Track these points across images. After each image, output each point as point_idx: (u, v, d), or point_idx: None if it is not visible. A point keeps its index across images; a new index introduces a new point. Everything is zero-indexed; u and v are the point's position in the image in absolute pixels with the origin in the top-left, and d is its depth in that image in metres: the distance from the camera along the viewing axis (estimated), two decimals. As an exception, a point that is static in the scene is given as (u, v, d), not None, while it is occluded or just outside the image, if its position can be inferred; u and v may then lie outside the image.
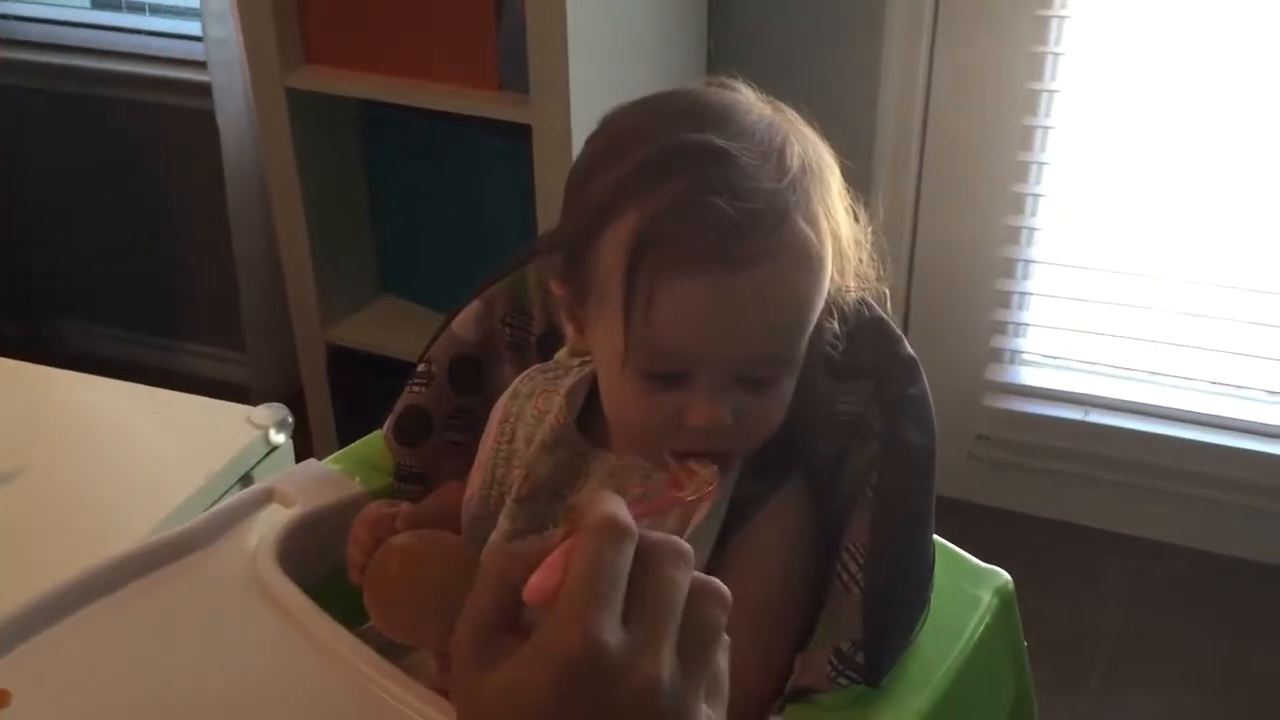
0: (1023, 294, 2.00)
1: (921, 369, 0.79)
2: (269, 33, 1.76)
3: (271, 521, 0.89)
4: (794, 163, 0.72)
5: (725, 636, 0.51)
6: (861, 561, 0.77)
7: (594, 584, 0.48)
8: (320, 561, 0.88)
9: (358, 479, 0.94)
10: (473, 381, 0.95)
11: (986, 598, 0.83)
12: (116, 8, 2.44)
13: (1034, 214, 1.94)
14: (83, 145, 2.49)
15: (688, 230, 0.69)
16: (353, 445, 0.98)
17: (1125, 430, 2.00)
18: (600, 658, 0.47)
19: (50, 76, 2.43)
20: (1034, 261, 1.98)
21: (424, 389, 0.95)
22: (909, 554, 0.77)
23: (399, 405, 0.96)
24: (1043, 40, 1.79)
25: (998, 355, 2.05)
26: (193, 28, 2.30)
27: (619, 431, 0.80)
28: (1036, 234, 1.96)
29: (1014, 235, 1.95)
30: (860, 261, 0.78)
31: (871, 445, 0.79)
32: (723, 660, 0.51)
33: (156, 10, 2.42)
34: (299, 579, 0.84)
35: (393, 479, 0.95)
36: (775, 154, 0.72)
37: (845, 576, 0.77)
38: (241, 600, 0.83)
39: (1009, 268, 1.98)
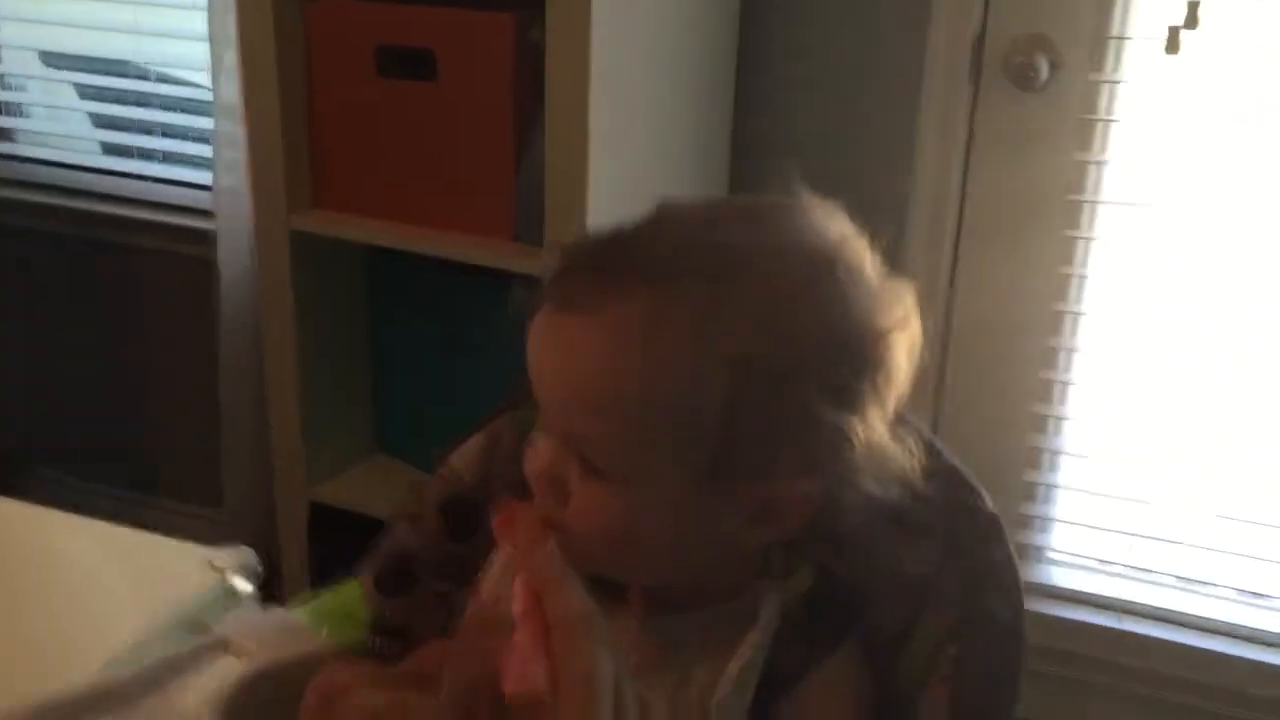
0: (1050, 486, 1.90)
1: (1005, 530, 0.68)
2: (277, 173, 1.71)
3: (222, 676, 0.76)
4: (728, 264, 0.62)
5: None
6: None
7: (593, 691, 0.47)
8: (274, 726, 0.75)
9: (325, 631, 0.81)
10: (468, 526, 0.83)
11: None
12: (128, 154, 2.41)
13: (1062, 402, 1.85)
14: (79, 289, 2.43)
15: (557, 269, 0.64)
16: (324, 594, 0.86)
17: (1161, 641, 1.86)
18: None
19: (55, 219, 2.38)
20: (1062, 453, 1.88)
21: (412, 531, 0.83)
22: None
23: (382, 548, 0.84)
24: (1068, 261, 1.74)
25: (1023, 552, 1.92)
26: (204, 177, 2.26)
27: None
28: (1065, 423, 1.86)
29: (1041, 423, 1.86)
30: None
31: (947, 614, 0.67)
32: None
33: (170, 158, 2.38)
34: (247, 746, 0.71)
35: (369, 632, 0.82)
36: (705, 242, 0.63)
37: (922, 769, 0.64)
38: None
39: (1035, 458, 1.87)
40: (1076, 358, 1.82)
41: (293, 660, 0.78)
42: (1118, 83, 1.65)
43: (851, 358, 0.62)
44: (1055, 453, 1.88)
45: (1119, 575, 1.90)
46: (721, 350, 0.60)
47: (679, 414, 0.61)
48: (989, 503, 0.69)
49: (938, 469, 0.68)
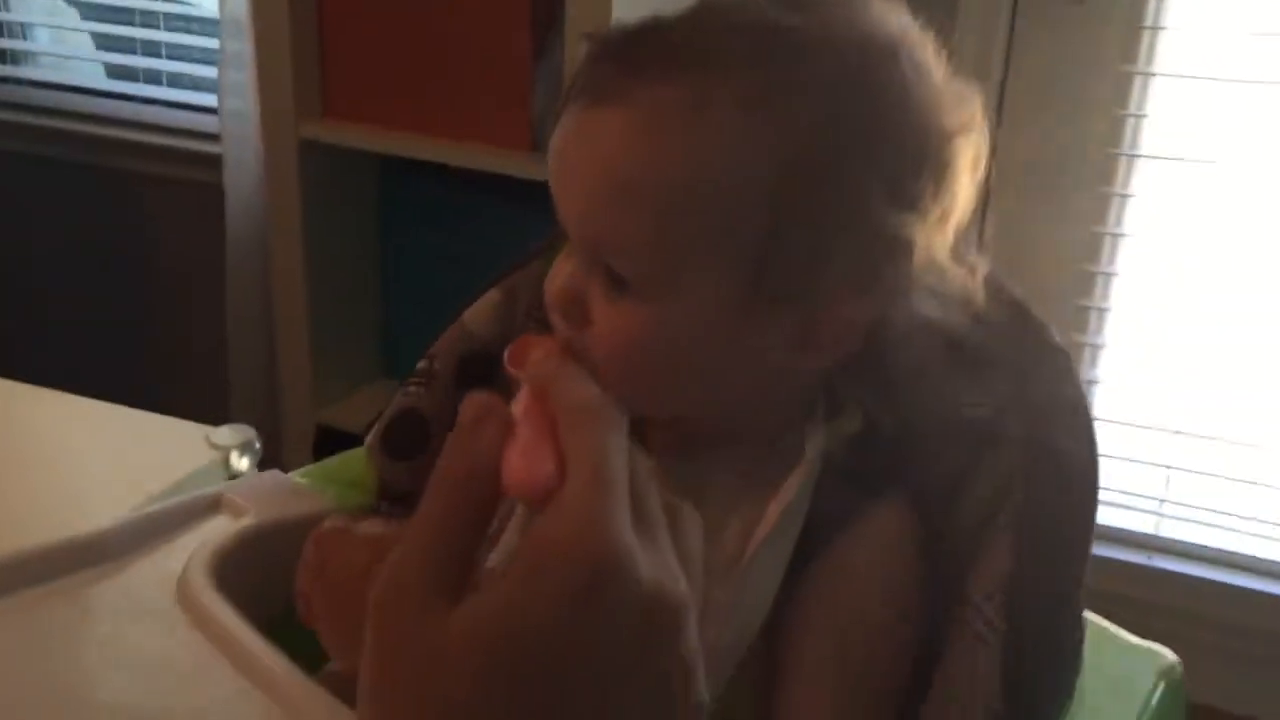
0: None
1: (1075, 365, 0.61)
2: (285, 79, 1.64)
3: (214, 533, 0.70)
4: (806, 43, 0.54)
5: None
6: (1001, 601, 0.57)
7: (607, 475, 0.39)
8: (271, 588, 0.68)
9: (328, 495, 0.75)
10: (483, 385, 0.76)
11: (1151, 682, 0.62)
12: (133, 78, 2.34)
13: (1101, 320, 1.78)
14: (83, 212, 2.37)
15: (584, 61, 0.57)
16: (328, 460, 0.80)
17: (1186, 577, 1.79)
18: (632, 570, 0.38)
19: (58, 143, 2.32)
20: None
21: (423, 390, 0.77)
22: (1065, 598, 0.57)
23: (390, 409, 0.77)
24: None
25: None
26: (209, 100, 2.19)
27: None
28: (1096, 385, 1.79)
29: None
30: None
31: (1010, 456, 0.60)
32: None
33: (175, 82, 2.31)
34: (243, 608, 0.65)
35: (375, 498, 0.76)
36: (756, 23, 0.55)
37: (979, 621, 0.57)
38: (163, 620, 0.63)
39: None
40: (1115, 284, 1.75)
41: (291, 519, 0.72)
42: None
43: (913, 155, 0.56)
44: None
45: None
46: (771, 138, 0.53)
47: (721, 210, 0.54)
48: (1056, 336, 0.62)
49: (1002, 300, 0.61)
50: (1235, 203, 1.62)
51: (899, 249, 0.55)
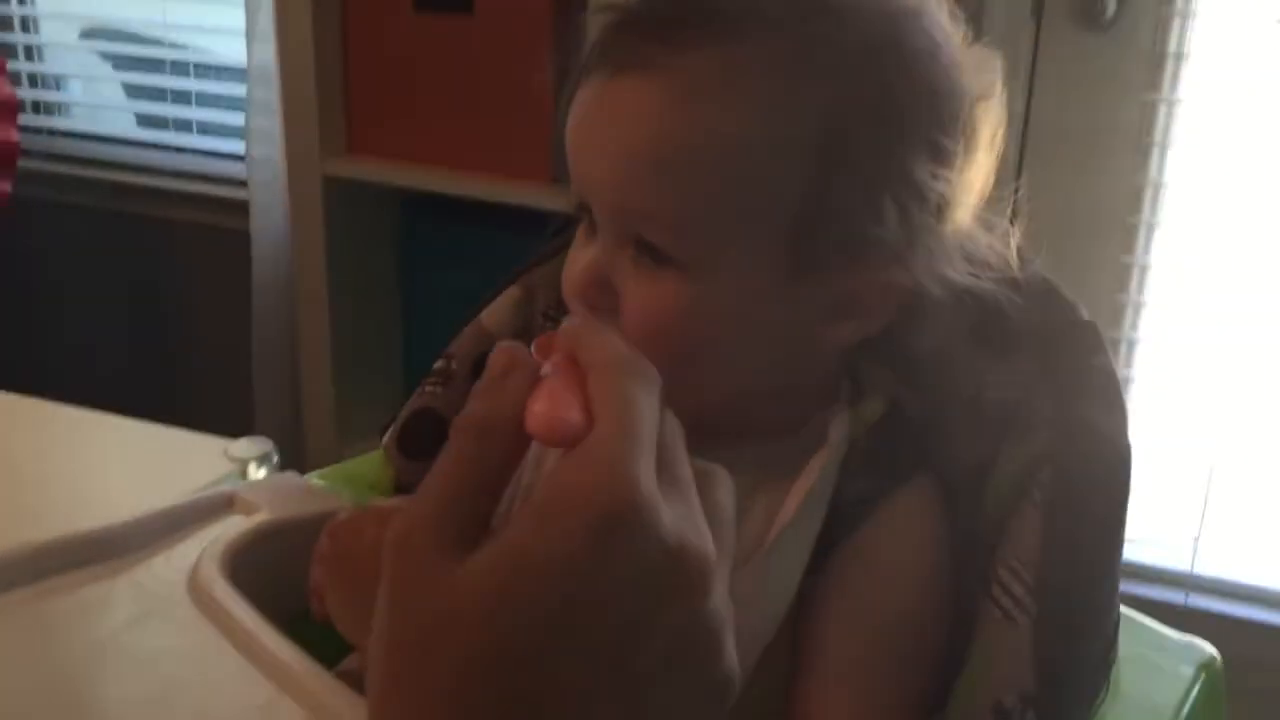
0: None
1: (1105, 340, 0.59)
2: (311, 117, 1.65)
3: (228, 530, 0.69)
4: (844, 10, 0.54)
5: None
6: (1031, 580, 0.55)
7: (635, 424, 0.37)
8: (285, 585, 0.67)
9: (343, 495, 0.74)
10: (502, 383, 0.76)
11: (1190, 673, 0.60)
12: (164, 126, 2.38)
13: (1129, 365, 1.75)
14: (115, 258, 2.40)
15: (601, 34, 0.56)
16: (345, 462, 0.79)
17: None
18: (653, 520, 0.36)
19: (91, 191, 2.35)
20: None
21: (441, 389, 0.76)
22: (1099, 578, 0.55)
23: (406, 408, 0.76)
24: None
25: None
26: (238, 147, 2.22)
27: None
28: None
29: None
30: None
31: (1039, 437, 0.58)
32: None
33: (205, 130, 2.34)
34: (256, 604, 0.63)
35: (391, 498, 0.74)
36: None
37: (1007, 601, 0.55)
38: (174, 613, 0.62)
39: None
40: (1141, 312, 1.73)
41: (306, 518, 0.70)
42: (1190, 16, 1.56)
43: (946, 112, 0.55)
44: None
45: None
46: (813, 98, 0.53)
47: (766, 175, 0.53)
48: (1085, 313, 0.60)
49: (1032, 279, 0.60)
50: (1267, 237, 1.60)
51: (937, 206, 0.55)
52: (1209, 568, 1.77)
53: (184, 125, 2.35)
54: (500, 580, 0.36)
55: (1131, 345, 1.72)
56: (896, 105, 0.54)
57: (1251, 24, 1.54)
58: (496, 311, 0.77)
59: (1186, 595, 1.79)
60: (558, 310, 0.76)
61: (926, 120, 0.55)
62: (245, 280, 2.10)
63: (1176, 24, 1.57)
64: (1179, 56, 1.58)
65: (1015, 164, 1.71)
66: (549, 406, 0.39)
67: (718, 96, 0.53)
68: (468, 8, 1.56)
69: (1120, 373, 1.69)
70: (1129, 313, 1.71)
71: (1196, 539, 1.78)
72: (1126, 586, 0.56)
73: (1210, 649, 0.64)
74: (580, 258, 0.58)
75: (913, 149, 0.54)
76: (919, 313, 0.57)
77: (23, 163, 2.25)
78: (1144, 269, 1.68)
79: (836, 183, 0.53)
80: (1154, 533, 1.78)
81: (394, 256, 1.83)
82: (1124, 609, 0.60)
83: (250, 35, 1.98)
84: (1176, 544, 1.78)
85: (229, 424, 2.25)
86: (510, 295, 0.77)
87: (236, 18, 1.99)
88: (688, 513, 0.38)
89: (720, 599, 0.39)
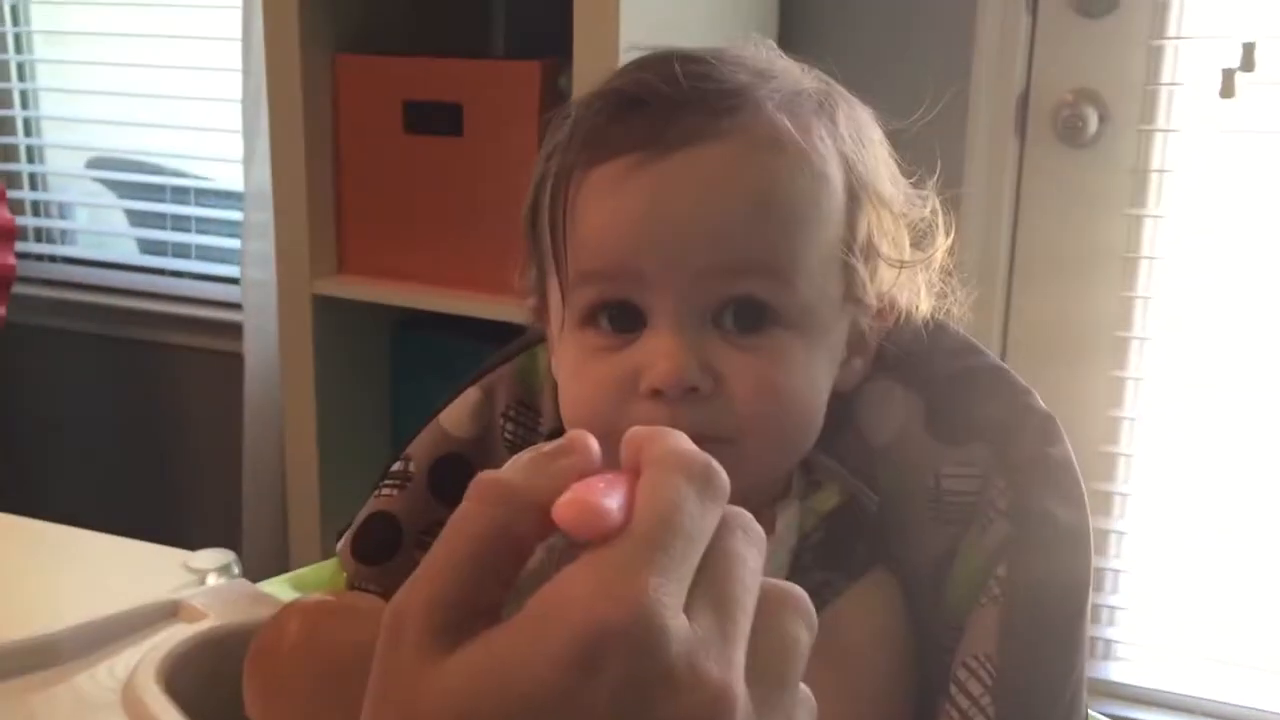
0: (1117, 571, 1.75)
1: (1061, 429, 0.58)
2: (301, 237, 1.67)
3: (170, 639, 0.66)
4: (790, 76, 0.58)
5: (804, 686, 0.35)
6: (989, 679, 0.52)
7: (670, 530, 0.32)
8: (226, 694, 0.64)
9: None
10: (459, 488, 0.74)
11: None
12: (163, 252, 2.41)
13: (1127, 478, 1.73)
14: (114, 381, 2.42)
15: (613, 116, 0.55)
16: (299, 570, 0.77)
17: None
18: (657, 640, 0.31)
19: (94, 318, 2.38)
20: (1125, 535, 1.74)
21: (398, 492, 0.74)
22: (1060, 675, 0.52)
23: (362, 512, 0.74)
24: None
25: (1090, 647, 1.77)
26: (235, 271, 2.24)
27: None
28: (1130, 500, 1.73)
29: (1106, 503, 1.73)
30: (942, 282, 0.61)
31: (996, 529, 0.57)
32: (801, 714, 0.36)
33: (205, 255, 2.37)
34: (194, 714, 0.61)
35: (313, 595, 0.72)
36: (761, 65, 0.58)
37: (964, 700, 0.52)
38: (105, 724, 0.59)
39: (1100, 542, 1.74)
40: (1135, 427, 1.71)
41: (250, 625, 0.68)
42: (1170, 131, 1.58)
43: (894, 163, 0.62)
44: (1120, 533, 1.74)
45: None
46: (838, 145, 0.57)
47: (835, 219, 0.57)
48: (1041, 403, 0.59)
49: (980, 366, 0.59)
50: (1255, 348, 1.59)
51: (916, 229, 0.60)
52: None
53: (183, 251, 2.38)
54: (471, 690, 0.31)
55: (1130, 461, 1.70)
56: (868, 143, 0.58)
57: (1231, 138, 1.55)
58: (455, 412, 0.75)
59: (1197, 720, 1.73)
60: (518, 411, 0.75)
61: (886, 155, 0.60)
62: (239, 402, 2.10)
63: (1158, 139, 1.59)
64: (1161, 172, 1.60)
65: (1005, 280, 1.72)
66: (584, 492, 0.33)
67: (800, 149, 0.55)
68: (457, 129, 1.58)
69: (1117, 488, 1.67)
70: (1125, 427, 1.69)
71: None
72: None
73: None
74: (655, 352, 0.55)
75: (885, 178, 0.59)
76: (869, 396, 0.57)
77: (21, 289, 2.28)
78: (1137, 382, 1.67)
79: (857, 220, 0.57)
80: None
81: (385, 374, 1.83)
82: (1096, 713, 0.58)
83: (247, 160, 2.02)
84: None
85: (219, 543, 2.23)
86: (469, 397, 0.76)
87: (238, 145, 2.04)
88: (718, 638, 0.32)
89: None
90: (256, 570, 2.11)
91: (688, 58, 0.57)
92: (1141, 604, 1.74)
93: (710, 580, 0.33)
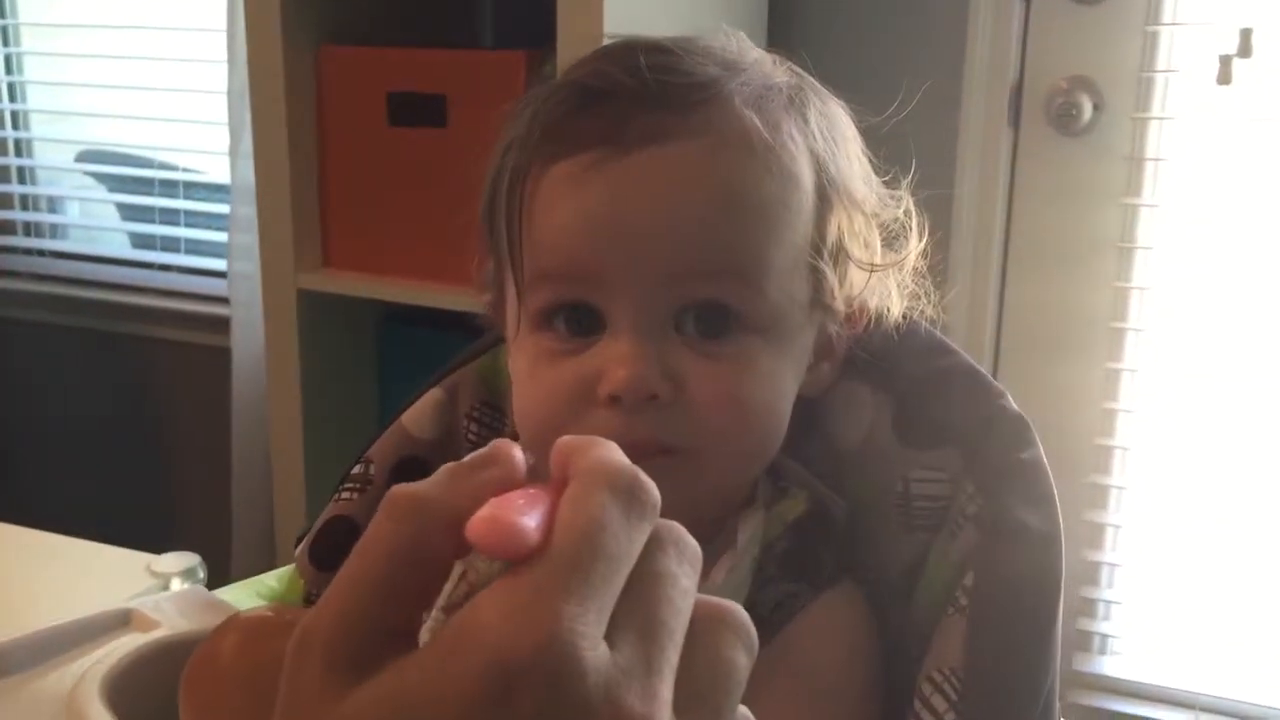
0: (1112, 565, 1.73)
1: (1034, 431, 0.55)
2: (285, 231, 1.65)
3: (119, 648, 0.64)
4: (760, 69, 0.56)
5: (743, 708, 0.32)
6: (954, 693, 0.50)
7: (591, 551, 0.30)
8: (175, 704, 0.62)
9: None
10: (421, 490, 0.72)
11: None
12: (152, 246, 2.39)
13: (1123, 471, 1.70)
14: (103, 376, 2.40)
15: (574, 110, 0.53)
16: (258, 576, 0.75)
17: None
18: (571, 672, 0.29)
19: (84, 312, 2.36)
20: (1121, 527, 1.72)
21: (358, 495, 0.72)
22: (1028, 688, 0.50)
23: (321, 517, 0.73)
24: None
25: (1086, 642, 1.75)
26: (222, 264, 2.22)
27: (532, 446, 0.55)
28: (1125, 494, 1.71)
29: (1102, 496, 1.71)
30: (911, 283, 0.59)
31: (964, 537, 0.54)
32: None
33: (194, 249, 2.35)
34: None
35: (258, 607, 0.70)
36: (730, 57, 0.56)
37: (928, 715, 0.50)
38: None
39: (1096, 536, 1.72)
40: (1130, 419, 1.68)
41: (202, 635, 0.66)
42: (1166, 119, 1.55)
43: (868, 162, 0.60)
44: (1116, 527, 1.72)
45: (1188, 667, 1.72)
46: (808, 143, 0.55)
47: (802, 219, 0.54)
48: (1014, 405, 0.57)
49: (952, 367, 0.57)
50: (1251, 339, 1.57)
51: (889, 230, 0.58)
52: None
53: (172, 244, 2.36)
54: None
55: (1125, 453, 1.68)
56: (839, 139, 0.56)
57: (1225, 126, 1.53)
58: (418, 413, 0.74)
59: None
60: (482, 411, 0.73)
61: (858, 150, 0.58)
62: (228, 396, 2.09)
63: (1154, 127, 1.56)
64: (1157, 160, 1.57)
65: (999, 270, 1.70)
66: (500, 509, 0.31)
67: (770, 148, 0.53)
68: (442, 121, 1.56)
69: (1112, 481, 1.65)
70: (1120, 419, 1.67)
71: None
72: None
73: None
74: (612, 357, 0.53)
75: (857, 176, 0.57)
76: (837, 399, 0.55)
77: (7, 283, 2.26)
78: (1132, 373, 1.65)
79: (827, 220, 0.55)
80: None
81: (371, 368, 1.81)
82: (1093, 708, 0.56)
83: (234, 153, 2.00)
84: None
85: (207, 539, 2.22)
86: (432, 397, 0.74)
87: (224, 138, 2.02)
88: (641, 668, 0.30)
89: None
90: (244, 564, 2.11)
91: (653, 48, 0.54)
92: (1136, 598, 1.72)
93: (635, 603, 0.31)
